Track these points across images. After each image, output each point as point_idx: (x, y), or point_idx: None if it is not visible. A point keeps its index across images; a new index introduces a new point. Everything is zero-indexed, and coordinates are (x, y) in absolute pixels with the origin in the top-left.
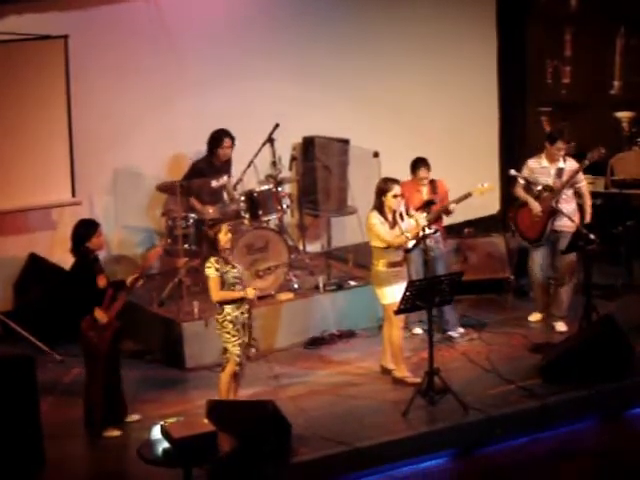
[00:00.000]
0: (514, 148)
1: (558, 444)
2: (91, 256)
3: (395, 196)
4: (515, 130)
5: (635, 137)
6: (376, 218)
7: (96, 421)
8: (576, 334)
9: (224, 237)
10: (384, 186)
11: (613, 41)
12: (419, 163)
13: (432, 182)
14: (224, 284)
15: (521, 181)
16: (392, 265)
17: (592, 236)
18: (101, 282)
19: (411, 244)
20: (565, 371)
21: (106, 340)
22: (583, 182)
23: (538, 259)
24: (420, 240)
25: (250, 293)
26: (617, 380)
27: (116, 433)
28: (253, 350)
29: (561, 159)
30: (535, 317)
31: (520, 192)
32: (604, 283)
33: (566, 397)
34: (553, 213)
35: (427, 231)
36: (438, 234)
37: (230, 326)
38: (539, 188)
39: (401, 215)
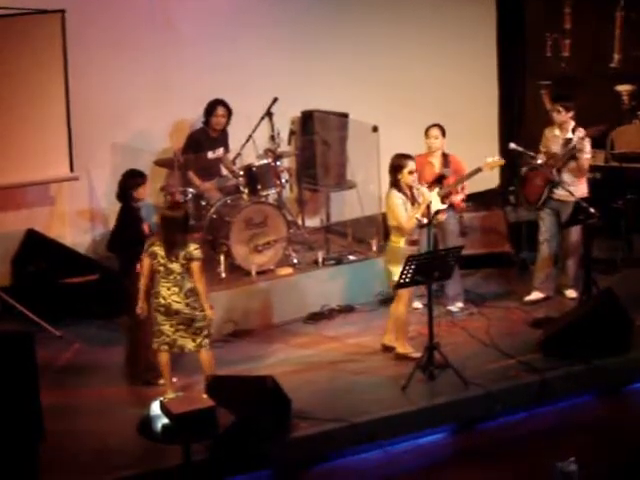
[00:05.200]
0: (514, 122)
1: (558, 419)
2: (134, 203)
3: (411, 172)
4: (515, 104)
5: (635, 110)
6: (398, 198)
7: (151, 367)
8: (576, 308)
9: None
10: (399, 162)
11: (613, 14)
12: (431, 125)
13: (445, 156)
14: None
15: (542, 149)
16: (412, 243)
17: (592, 210)
18: (146, 229)
19: (425, 220)
20: (565, 346)
21: None
22: (586, 155)
23: (545, 230)
24: (433, 216)
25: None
26: (617, 355)
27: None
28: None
29: (570, 129)
30: (535, 296)
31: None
32: (604, 257)
33: (566, 372)
34: (552, 180)
35: (440, 206)
36: (451, 210)
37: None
38: (538, 159)
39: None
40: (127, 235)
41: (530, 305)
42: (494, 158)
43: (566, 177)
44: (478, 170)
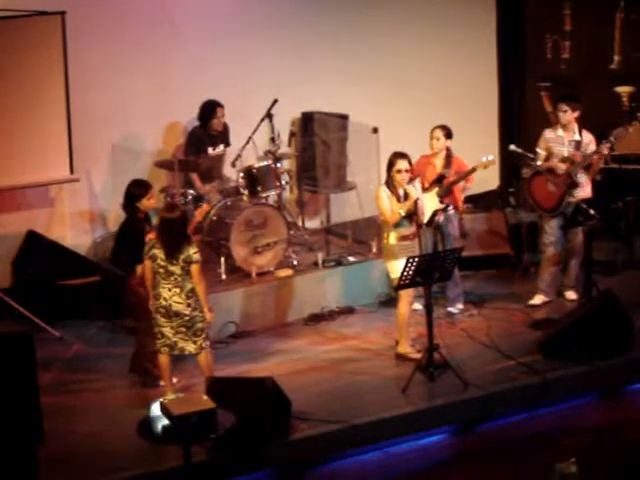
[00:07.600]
0: (514, 123)
1: (558, 420)
2: (140, 215)
3: (399, 171)
4: (515, 105)
5: (635, 112)
6: (383, 192)
7: (154, 370)
8: (576, 310)
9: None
10: (391, 160)
11: (613, 16)
12: (435, 126)
13: (449, 157)
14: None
15: (542, 152)
16: (402, 239)
17: (592, 212)
18: (151, 237)
19: (426, 219)
20: (565, 347)
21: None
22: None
23: (552, 232)
24: (432, 216)
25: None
26: (617, 355)
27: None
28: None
29: (576, 130)
30: (539, 300)
31: (542, 163)
32: (604, 259)
33: (566, 373)
34: (571, 185)
35: (438, 206)
36: (451, 210)
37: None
38: (537, 161)
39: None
40: (130, 249)
41: (532, 308)
42: (488, 158)
43: (581, 178)
44: (473, 170)
